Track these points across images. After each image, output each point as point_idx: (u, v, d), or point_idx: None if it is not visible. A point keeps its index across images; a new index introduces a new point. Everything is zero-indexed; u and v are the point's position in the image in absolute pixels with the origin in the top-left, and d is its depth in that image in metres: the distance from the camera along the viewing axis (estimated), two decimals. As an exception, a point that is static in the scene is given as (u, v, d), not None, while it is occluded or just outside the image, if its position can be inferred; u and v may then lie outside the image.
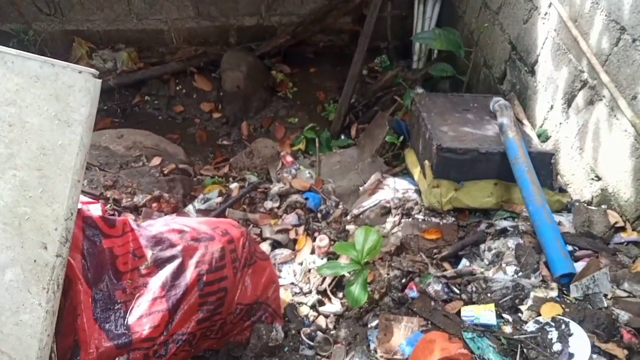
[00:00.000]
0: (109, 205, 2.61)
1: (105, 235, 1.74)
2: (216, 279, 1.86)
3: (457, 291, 2.01)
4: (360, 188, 3.05)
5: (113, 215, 2.60)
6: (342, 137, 3.95)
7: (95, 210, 1.78)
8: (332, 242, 2.68)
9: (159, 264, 1.79)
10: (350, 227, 2.73)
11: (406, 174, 3.03)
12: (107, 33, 4.32)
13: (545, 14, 2.76)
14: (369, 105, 4.07)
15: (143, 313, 1.68)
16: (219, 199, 3.01)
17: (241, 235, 2.03)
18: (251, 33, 4.45)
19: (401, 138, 3.31)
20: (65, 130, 1.50)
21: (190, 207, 2.93)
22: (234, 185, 3.23)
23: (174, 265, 1.78)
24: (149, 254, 1.79)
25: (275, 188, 3.13)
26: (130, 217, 2.60)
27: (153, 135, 3.44)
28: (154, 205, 2.72)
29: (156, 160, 3.14)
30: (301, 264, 2.66)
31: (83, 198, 1.85)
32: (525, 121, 2.90)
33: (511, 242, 2.13)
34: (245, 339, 2.09)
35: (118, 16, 4.23)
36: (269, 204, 3.06)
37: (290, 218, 2.92)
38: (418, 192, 2.68)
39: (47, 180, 1.45)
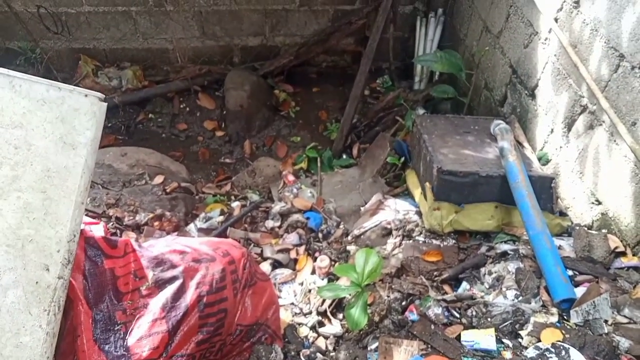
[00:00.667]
0: (111, 223, 2.63)
1: (107, 256, 1.75)
2: (216, 300, 1.87)
3: (457, 315, 2.00)
4: (362, 208, 3.06)
5: (115, 233, 2.61)
6: (344, 156, 3.97)
7: (97, 230, 1.80)
8: (333, 263, 2.68)
9: (160, 285, 1.79)
10: (351, 248, 2.74)
11: (407, 194, 3.04)
12: (112, 51, 4.39)
13: (546, 39, 2.79)
14: (371, 126, 4.10)
15: (143, 334, 1.68)
16: (221, 218, 3.02)
17: (242, 256, 2.04)
18: (255, 53, 4.51)
19: (402, 159, 3.33)
20: (70, 153, 1.52)
21: (191, 226, 2.94)
22: (235, 204, 3.24)
23: (174, 287, 1.79)
24: (150, 274, 1.79)
25: (277, 207, 3.14)
26: (132, 236, 2.62)
27: (156, 153, 3.47)
28: (156, 223, 2.73)
29: (159, 179, 3.16)
30: (301, 284, 2.66)
31: (85, 218, 1.86)
32: (525, 144, 2.92)
33: (511, 266, 2.13)
34: (244, 360, 2.09)
35: (124, 35, 4.30)
36: (270, 223, 3.07)
37: (291, 238, 2.93)
38: (419, 213, 2.69)
39: (51, 202, 1.46)
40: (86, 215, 2.55)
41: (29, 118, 1.48)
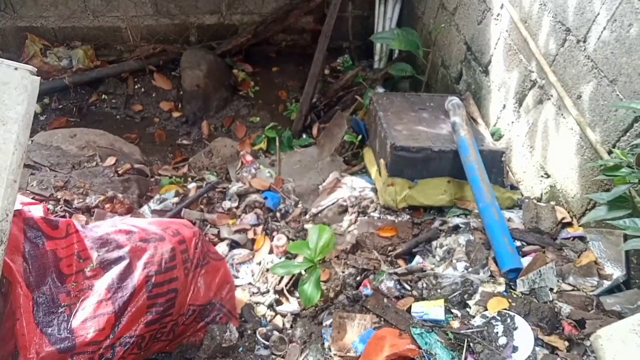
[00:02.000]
0: (60, 206, 2.54)
1: (48, 237, 1.69)
2: (166, 280, 1.83)
3: (409, 288, 2.03)
4: (320, 187, 3.06)
5: (64, 216, 2.52)
6: (304, 136, 3.95)
7: (36, 211, 1.73)
8: (291, 241, 2.67)
9: (105, 265, 1.75)
10: (308, 226, 2.73)
11: (365, 172, 3.04)
12: (62, 30, 4.21)
13: (498, 15, 2.82)
14: (331, 105, 4.08)
15: (88, 316, 1.64)
16: (176, 199, 2.96)
17: (193, 236, 2.01)
18: (212, 31, 4.41)
19: (360, 137, 3.33)
20: None
21: (145, 208, 2.87)
22: (191, 185, 3.17)
23: (120, 267, 1.75)
24: (94, 255, 1.74)
25: (234, 188, 3.09)
26: (82, 219, 2.54)
27: (108, 134, 3.36)
28: (107, 206, 2.65)
29: (110, 160, 3.07)
30: (259, 264, 2.64)
31: (24, 199, 1.79)
32: (479, 120, 2.96)
33: (462, 239, 2.16)
34: (199, 341, 2.06)
35: (73, 13, 4.12)
36: (227, 204, 3.02)
37: (249, 218, 2.89)
38: (374, 190, 2.70)
39: (-19, 181, 1.39)
40: (32, 198, 2.45)
41: (-47, 92, 1.40)
